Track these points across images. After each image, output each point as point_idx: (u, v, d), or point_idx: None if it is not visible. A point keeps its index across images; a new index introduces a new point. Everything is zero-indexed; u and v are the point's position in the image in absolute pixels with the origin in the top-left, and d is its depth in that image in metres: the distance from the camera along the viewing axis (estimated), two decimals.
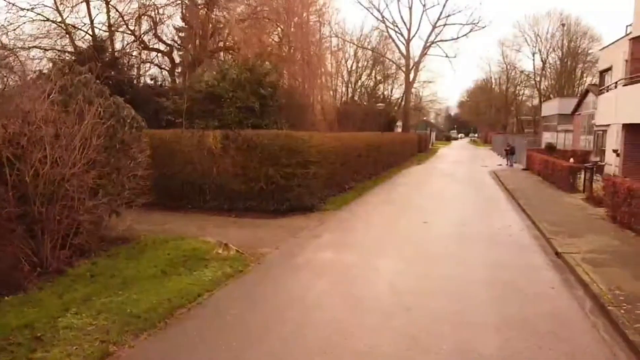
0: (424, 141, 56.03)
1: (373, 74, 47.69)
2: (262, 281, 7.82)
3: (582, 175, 19.01)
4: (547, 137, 58.72)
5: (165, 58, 26.20)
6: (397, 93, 58.20)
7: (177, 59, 27.08)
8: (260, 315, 6.44)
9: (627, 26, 22.56)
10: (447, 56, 56.57)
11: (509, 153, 35.26)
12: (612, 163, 21.39)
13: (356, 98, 44.75)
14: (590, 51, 79.07)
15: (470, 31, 56.15)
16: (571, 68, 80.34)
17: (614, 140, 21.90)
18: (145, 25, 24.17)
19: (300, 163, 13.92)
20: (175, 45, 26.91)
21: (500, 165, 35.51)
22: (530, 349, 5.58)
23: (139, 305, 6.25)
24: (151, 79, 23.23)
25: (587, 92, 43.49)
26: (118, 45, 23.72)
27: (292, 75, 28.41)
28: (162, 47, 25.85)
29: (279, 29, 29.37)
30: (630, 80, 15.16)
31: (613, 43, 23.22)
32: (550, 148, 31.47)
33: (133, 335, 5.55)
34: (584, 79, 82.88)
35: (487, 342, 5.73)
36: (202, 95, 18.43)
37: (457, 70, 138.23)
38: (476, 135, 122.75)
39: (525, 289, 7.69)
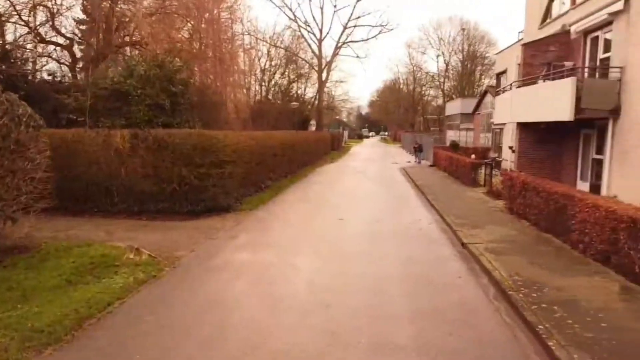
0: (337, 140, 57.17)
1: (287, 73, 47.81)
2: (178, 285, 7.56)
3: (483, 171, 20.42)
4: (450, 135, 62.31)
5: (65, 52, 24.43)
6: (311, 92, 58.86)
7: (79, 54, 25.40)
8: (178, 320, 6.23)
9: (519, 32, 24.55)
10: (358, 57, 58.55)
11: (417, 150, 37.02)
12: (508, 159, 23.14)
13: (270, 97, 44.61)
14: (487, 55, 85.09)
15: (379, 33, 58.42)
16: (471, 70, 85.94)
17: (509, 138, 23.70)
18: (41, 16, 22.41)
19: (215, 163, 13.64)
20: (76, 38, 25.20)
21: (409, 162, 37.13)
22: (441, 337, 5.90)
23: (42, 318, 5.79)
24: (49, 75, 21.56)
25: (485, 92, 46.72)
26: (10, 37, 21.81)
27: (204, 72, 27.74)
28: (61, 40, 24.09)
29: (189, 24, 28.54)
30: (523, 83, 16.49)
31: (507, 48, 25.14)
32: (454, 145, 33.53)
33: (35, 352, 5.13)
34: (483, 80, 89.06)
35: (402, 333, 5.97)
36: (107, 92, 17.47)
37: (368, 71, 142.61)
38: (386, 133, 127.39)
39: (435, 280, 8.11)
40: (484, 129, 46.98)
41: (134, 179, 13.59)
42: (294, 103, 32.21)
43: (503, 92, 19.58)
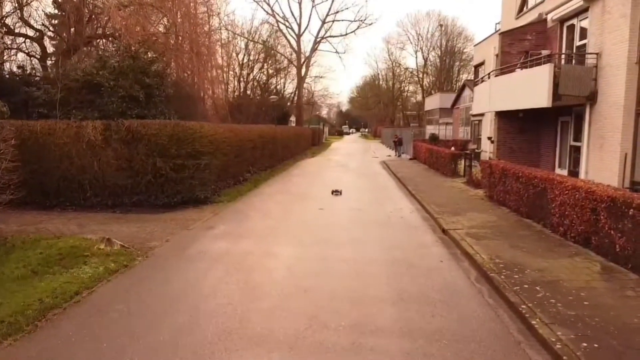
0: (318, 135, 57.00)
1: (265, 68, 47.41)
2: (151, 274, 7.27)
3: (463, 162, 20.45)
4: (430, 130, 62.68)
5: (35, 45, 23.68)
6: (290, 88, 58.50)
7: (51, 48, 24.66)
8: (150, 308, 5.96)
9: (496, 24, 24.65)
10: (337, 52, 58.38)
11: (397, 144, 37.06)
12: (487, 150, 23.24)
13: (249, 92, 44.18)
14: (465, 50, 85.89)
15: (358, 28, 58.52)
16: (449, 66, 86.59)
17: (488, 129, 23.82)
18: (8, 7, 21.66)
19: (191, 154, 13.32)
20: (47, 31, 24.46)
21: (389, 156, 37.13)
22: (424, 318, 5.74)
23: (3, 309, 5.47)
24: (18, 67, 20.87)
25: (464, 86, 47.00)
26: None
27: (181, 66, 27.22)
28: (30, 32, 23.34)
29: (165, 18, 28.00)
30: (501, 72, 16.50)
31: (485, 40, 25.24)
32: (433, 138, 33.64)
33: None
34: (461, 75, 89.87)
35: (385, 315, 5.80)
36: (79, 84, 16.94)
37: (348, 67, 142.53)
38: (366, 129, 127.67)
39: (417, 264, 7.97)
40: (463, 122, 47.29)
41: (107, 172, 13.20)
42: (273, 97, 31.90)
43: (482, 82, 19.61)
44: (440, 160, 22.23)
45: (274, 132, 26.30)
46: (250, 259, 8.20)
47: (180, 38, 28.11)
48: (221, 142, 15.40)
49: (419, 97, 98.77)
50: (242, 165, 18.48)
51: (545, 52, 15.58)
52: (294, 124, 56.20)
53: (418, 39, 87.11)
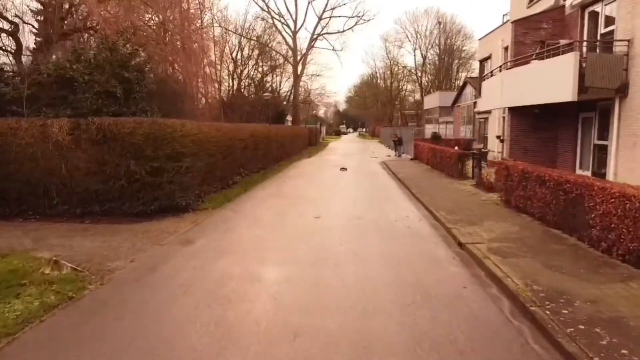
0: (315, 135, 55.49)
1: (260, 65, 45.90)
2: (99, 311, 5.74)
3: (470, 162, 18.97)
4: (429, 129, 61.22)
5: (11, 39, 22.10)
6: (286, 86, 57.01)
7: (29, 42, 23.09)
8: None
9: (503, 15, 23.18)
10: (334, 49, 56.82)
11: (397, 144, 35.57)
12: (495, 149, 21.79)
13: (243, 90, 42.67)
14: (464, 48, 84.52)
15: (355, 24, 56.83)
16: (448, 64, 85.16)
17: (496, 127, 22.36)
18: None
19: (170, 155, 11.81)
20: (21, 23, 22.86)
21: (389, 156, 35.65)
22: None
23: None
24: None
25: (465, 84, 45.57)
26: None
27: (169, 62, 25.69)
28: (6, 25, 21.77)
29: (151, 10, 26.45)
30: (514, 63, 15.02)
31: (491, 32, 23.76)
32: (436, 137, 32.09)
33: None
34: (460, 74, 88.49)
35: None
36: (51, 79, 15.39)
37: (345, 65, 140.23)
38: (364, 129, 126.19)
39: (434, 291, 6.46)
40: (464, 121, 45.86)
41: (76, 176, 11.68)
42: (267, 94, 30.24)
43: (491, 76, 18.11)
44: (445, 160, 20.74)
45: (267, 132, 24.78)
46: (228, 286, 6.67)
47: (169, 33, 26.63)
48: (206, 142, 13.88)
49: (417, 96, 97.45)
50: (231, 167, 16.95)
51: (563, 42, 14.11)
52: (290, 123, 54.71)
53: (416, 36, 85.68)
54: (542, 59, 13.81)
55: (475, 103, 42.07)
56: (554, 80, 12.48)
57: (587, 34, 13.90)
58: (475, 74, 74.11)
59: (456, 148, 27.25)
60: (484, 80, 19.29)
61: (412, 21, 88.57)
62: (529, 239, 8.95)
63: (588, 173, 13.44)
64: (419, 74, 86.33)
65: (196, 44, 30.01)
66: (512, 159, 15.13)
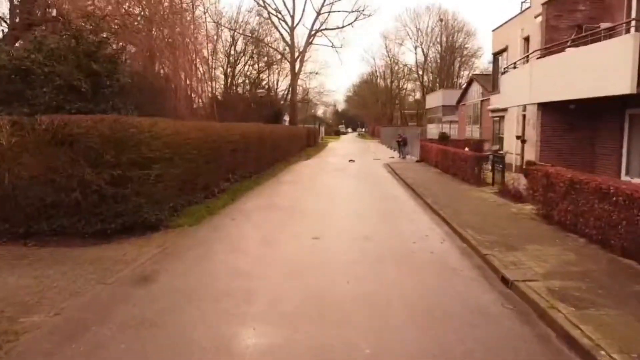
0: (314, 135, 53.33)
1: (255, 61, 43.72)
2: None
3: (487, 166, 16.84)
4: (431, 129, 59.10)
5: None
6: (284, 85, 54.88)
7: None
8: None
9: (522, 2, 21.02)
10: (333, 46, 54.47)
11: (401, 144, 33.36)
12: (513, 151, 19.65)
13: (238, 88, 40.51)
14: (466, 45, 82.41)
15: (355, 20, 54.58)
16: (449, 62, 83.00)
17: (514, 126, 20.21)
18: None
19: (136, 161, 9.63)
20: None
21: (392, 157, 33.50)
22: None
23: None
24: None
25: (471, 81, 43.42)
26: None
27: (155, 56, 23.50)
28: None
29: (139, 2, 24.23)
30: (548, 51, 12.89)
31: (507, 22, 21.59)
32: (444, 137, 29.78)
33: None
34: (462, 72, 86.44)
35: None
36: (7, 72, 13.21)
37: (345, 63, 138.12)
38: (363, 129, 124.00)
39: None
40: (470, 120, 43.72)
41: (20, 187, 9.48)
42: (261, 91, 27.90)
43: (513, 68, 15.94)
44: (459, 163, 18.56)
45: (261, 132, 22.58)
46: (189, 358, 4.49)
47: (155, 24, 24.40)
48: (183, 145, 11.68)
49: (417, 96, 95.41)
50: (217, 173, 14.75)
51: (605, 25, 11.98)
52: (287, 123, 52.61)
53: (418, 34, 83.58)
54: (582, 44, 11.66)
55: (482, 101, 39.97)
56: (601, 69, 10.32)
57: (635, 13, 11.73)
58: (480, 70, 72.01)
59: (466, 149, 25.17)
60: (505, 73, 17.13)
61: (413, 18, 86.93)
62: (596, 273, 6.77)
63: (638, 180, 11.27)
64: (420, 73, 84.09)
65: (187, 39, 27.86)
66: (543, 162, 13.00)
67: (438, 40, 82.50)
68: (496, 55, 23.34)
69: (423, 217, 11.78)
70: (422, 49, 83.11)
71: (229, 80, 39.18)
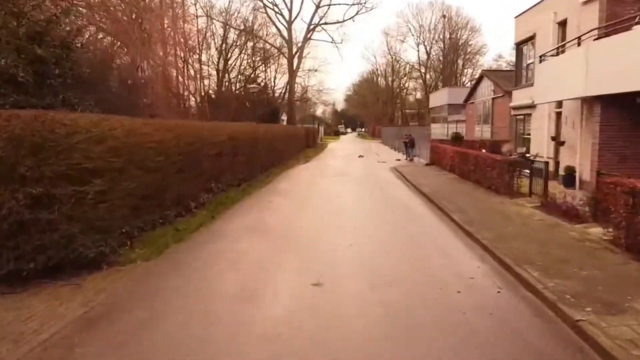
0: (313, 136, 50.57)
1: (249, 56, 40.93)
2: None
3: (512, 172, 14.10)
4: (436, 129, 56.38)
5: None
6: (281, 83, 52.11)
7: None
8: None
9: None
10: (333, 41, 51.75)
11: (408, 146, 30.60)
12: (544, 154, 16.91)
13: (229, 85, 37.75)
14: (470, 42, 79.69)
15: (356, 13, 51.83)
16: (453, 60, 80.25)
17: (545, 125, 17.46)
18: None
19: (68, 174, 6.91)
20: None
21: (399, 160, 30.75)
22: None
23: None
24: None
25: (481, 78, 40.70)
26: None
27: (128, 42, 20.76)
28: None
29: None
30: (613, 29, 10.16)
31: (535, 6, 18.79)
32: (457, 138, 26.97)
33: None
34: (466, 70, 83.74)
35: None
36: None
37: (345, 61, 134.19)
38: (363, 129, 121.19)
39: None
40: (480, 119, 41.01)
41: None
42: (253, 86, 24.86)
43: (557, 53, 13.19)
44: (484, 169, 15.80)
45: (254, 132, 19.84)
46: None
47: (133, 13, 21.61)
48: (143, 150, 8.94)
49: (418, 95, 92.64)
50: (195, 183, 12.00)
51: None
52: (285, 123, 49.91)
53: (420, 30, 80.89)
54: None
55: (494, 99, 37.25)
56: None
57: None
58: (486, 67, 69.23)
59: (483, 151, 22.53)
60: (543, 60, 14.37)
61: (416, 14, 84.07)
62: None
63: None
64: (423, 71, 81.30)
65: (169, 29, 25.15)
66: (603, 169, 10.26)
67: (441, 37, 79.80)
68: (520, 45, 20.56)
69: (457, 244, 9.02)
70: (425, 46, 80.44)
71: (220, 75, 36.39)
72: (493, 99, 37.35)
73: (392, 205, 13.42)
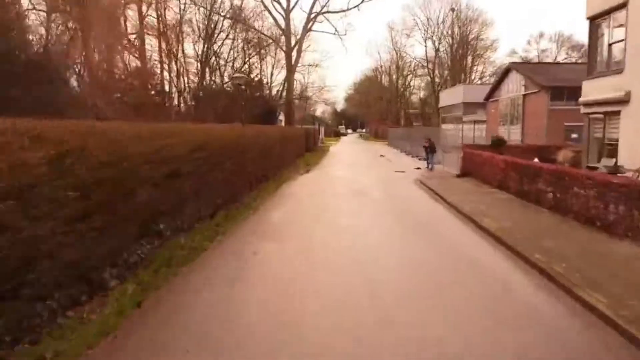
0: (313, 138, 45.35)
1: (242, 48, 35.73)
2: None
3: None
4: (448, 130, 51.21)
5: None
6: (279, 78, 46.99)
7: None
8: None
9: None
10: (336, 32, 46.39)
11: (429, 151, 25.34)
12: (635, 165, 11.73)
13: (214, 78, 32.56)
14: (481, 37, 74.46)
15: (362, 1, 46.55)
16: (461, 56, 75.07)
17: None
18: None
19: None
20: None
21: (418, 168, 25.54)
22: None
23: None
24: None
25: (507, 71, 35.47)
26: None
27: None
28: None
29: None
30: None
31: None
32: (499, 143, 21.48)
33: None
34: (476, 67, 78.56)
35: None
36: None
37: (346, 59, 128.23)
38: (364, 129, 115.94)
39: None
40: (506, 119, 35.88)
41: None
42: (239, 75, 19.05)
43: None
44: (575, 193, 10.62)
45: (238, 138, 14.62)
46: None
47: None
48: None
49: (422, 94, 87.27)
50: (125, 228, 6.80)
51: None
52: (282, 124, 44.81)
53: (428, 24, 75.59)
54: None
55: (525, 95, 32.09)
56: None
57: None
58: (498, 64, 64.04)
59: (536, 160, 17.46)
60: None
61: (423, 7, 78.64)
62: None
63: None
64: (431, 67, 76.00)
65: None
66: None
67: (450, 32, 74.56)
68: (595, 19, 15.35)
69: None
70: (433, 41, 75.13)
71: (202, 67, 31.15)
72: (524, 95, 32.21)
73: (455, 264, 8.16)
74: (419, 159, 30.85)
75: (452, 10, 74.62)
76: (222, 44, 32.86)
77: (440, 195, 15.33)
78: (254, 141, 16.61)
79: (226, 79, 35.26)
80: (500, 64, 67.64)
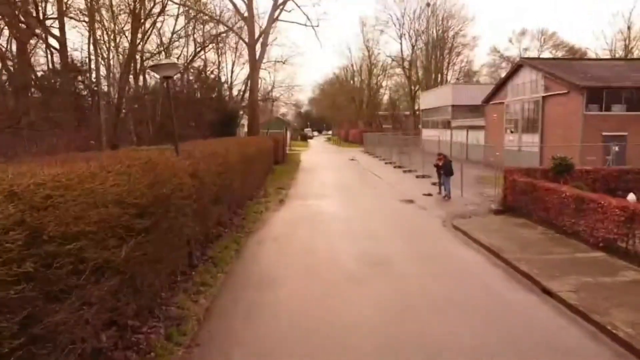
0: (282, 146, 38.48)
1: (190, 36, 28.67)
2: None
3: None
4: (429, 137, 45.41)
5: None
6: (241, 77, 39.90)
7: None
8: None
9: None
10: (308, 21, 39.52)
11: (443, 172, 18.89)
12: None
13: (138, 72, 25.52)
14: (461, 32, 69.27)
15: None
16: (437, 56, 69.71)
17: None
18: None
19: None
20: None
21: (429, 195, 19.12)
22: None
23: None
24: None
25: (518, 68, 29.56)
26: None
27: None
28: None
29: None
30: None
31: None
32: (564, 168, 14.53)
33: None
34: (453, 67, 73.50)
35: None
36: None
37: (312, 58, 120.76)
38: (330, 132, 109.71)
39: None
40: (515, 126, 30.05)
41: None
42: (166, 62, 12.08)
43: None
44: None
45: (156, 181, 7.55)
46: None
47: None
48: None
49: (392, 95, 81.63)
50: None
51: None
52: (245, 129, 37.93)
53: (403, 19, 69.91)
54: None
55: (545, 97, 26.23)
56: None
57: None
58: (477, 63, 58.75)
59: (632, 197, 11.36)
60: None
61: (398, 0, 72.95)
62: None
63: None
64: (407, 66, 70.28)
65: None
66: None
67: (423, 30, 69.06)
68: None
69: None
70: (410, 39, 69.38)
71: (126, 60, 23.89)
72: (544, 97, 26.38)
73: None
74: (417, 177, 24.62)
75: (428, 5, 69.40)
76: (161, 26, 25.54)
77: (523, 272, 8.87)
78: (196, 175, 9.65)
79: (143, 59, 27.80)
80: (483, 63, 62.59)
